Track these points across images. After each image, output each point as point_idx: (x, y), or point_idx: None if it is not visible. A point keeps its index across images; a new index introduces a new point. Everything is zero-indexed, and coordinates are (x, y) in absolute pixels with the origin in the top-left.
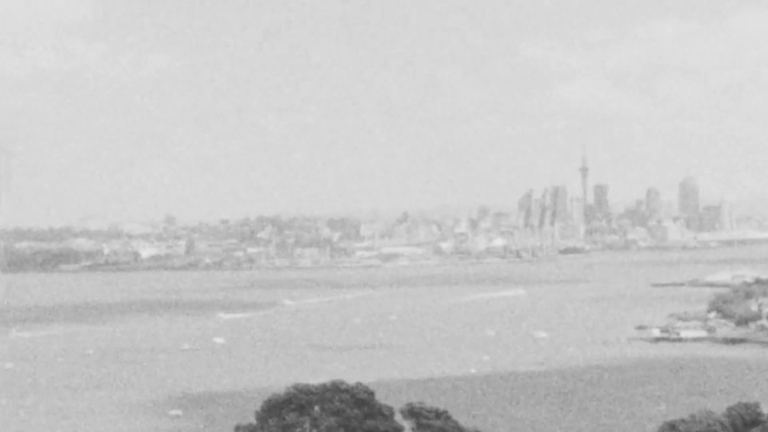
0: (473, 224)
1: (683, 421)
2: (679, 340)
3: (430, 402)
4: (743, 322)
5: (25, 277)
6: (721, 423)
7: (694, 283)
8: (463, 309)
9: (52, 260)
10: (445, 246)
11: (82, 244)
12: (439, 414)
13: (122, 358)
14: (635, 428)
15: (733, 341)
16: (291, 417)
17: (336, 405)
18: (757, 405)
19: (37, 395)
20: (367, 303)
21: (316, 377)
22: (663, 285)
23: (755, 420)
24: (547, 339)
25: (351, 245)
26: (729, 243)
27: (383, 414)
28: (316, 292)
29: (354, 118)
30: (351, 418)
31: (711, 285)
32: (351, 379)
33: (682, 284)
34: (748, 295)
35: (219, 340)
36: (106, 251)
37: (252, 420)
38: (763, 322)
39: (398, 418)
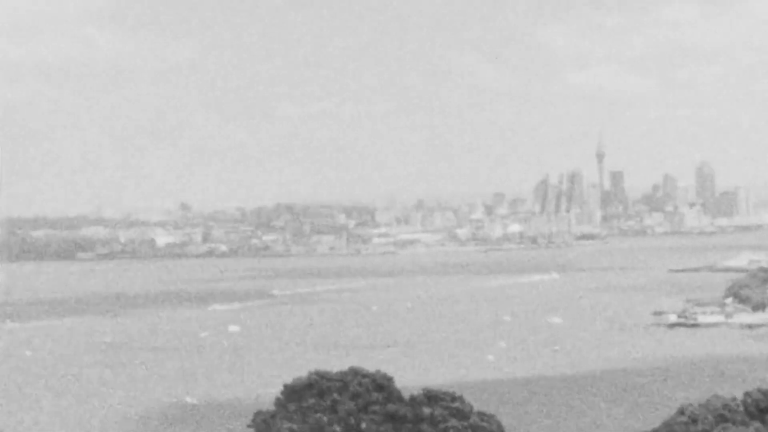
0: (489, 210)
1: (692, 406)
2: (696, 325)
3: None
4: (760, 307)
5: (41, 266)
6: (731, 408)
7: (711, 269)
8: (480, 295)
9: (68, 249)
10: (461, 232)
11: (98, 232)
12: (455, 398)
13: (136, 352)
14: (653, 415)
15: (750, 326)
16: (311, 402)
17: (355, 389)
18: None
19: (48, 390)
20: (383, 292)
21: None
22: (680, 271)
23: None
24: (562, 325)
25: (367, 232)
26: (746, 228)
27: (403, 399)
28: (332, 281)
29: (370, 104)
30: (371, 403)
31: (728, 270)
32: None
33: (699, 270)
34: (765, 281)
35: (234, 328)
36: (122, 239)
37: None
38: None
39: None
